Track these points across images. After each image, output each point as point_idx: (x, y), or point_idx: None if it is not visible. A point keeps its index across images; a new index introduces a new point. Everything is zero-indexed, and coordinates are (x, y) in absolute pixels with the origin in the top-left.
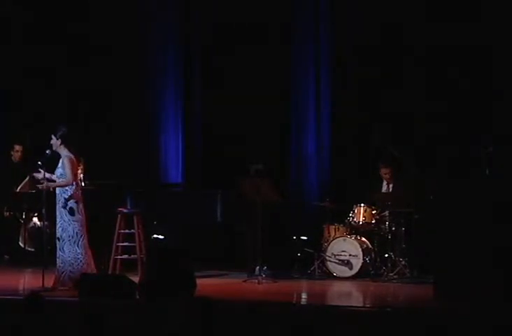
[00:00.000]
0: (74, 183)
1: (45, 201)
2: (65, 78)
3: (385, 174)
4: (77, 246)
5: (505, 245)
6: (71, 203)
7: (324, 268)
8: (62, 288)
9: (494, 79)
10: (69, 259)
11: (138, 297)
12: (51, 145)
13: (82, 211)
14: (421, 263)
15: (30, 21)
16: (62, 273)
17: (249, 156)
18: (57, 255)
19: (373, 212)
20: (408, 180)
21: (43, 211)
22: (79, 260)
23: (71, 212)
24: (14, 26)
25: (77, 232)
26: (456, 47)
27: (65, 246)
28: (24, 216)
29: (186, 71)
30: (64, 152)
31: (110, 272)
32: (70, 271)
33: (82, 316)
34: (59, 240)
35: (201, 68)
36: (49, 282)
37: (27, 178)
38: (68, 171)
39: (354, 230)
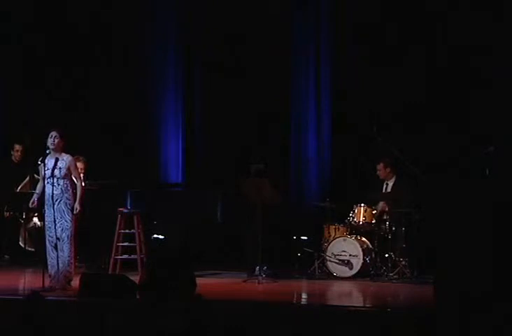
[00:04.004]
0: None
1: (44, 202)
2: (64, 78)
3: (378, 170)
4: (73, 246)
5: (505, 245)
6: (73, 203)
7: (325, 268)
8: (57, 286)
9: None
10: (68, 259)
11: (138, 297)
12: (56, 145)
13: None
14: (421, 263)
15: (29, 19)
16: (59, 272)
17: (249, 156)
18: (55, 255)
19: (373, 212)
20: (408, 180)
21: (43, 211)
22: (73, 260)
23: (73, 211)
24: (14, 25)
25: (74, 233)
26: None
27: (65, 246)
28: (24, 216)
29: (186, 71)
30: (65, 153)
31: (110, 272)
32: (68, 271)
33: (82, 316)
34: (58, 240)
35: (201, 68)
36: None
37: (27, 178)
38: (76, 173)
39: (355, 230)
